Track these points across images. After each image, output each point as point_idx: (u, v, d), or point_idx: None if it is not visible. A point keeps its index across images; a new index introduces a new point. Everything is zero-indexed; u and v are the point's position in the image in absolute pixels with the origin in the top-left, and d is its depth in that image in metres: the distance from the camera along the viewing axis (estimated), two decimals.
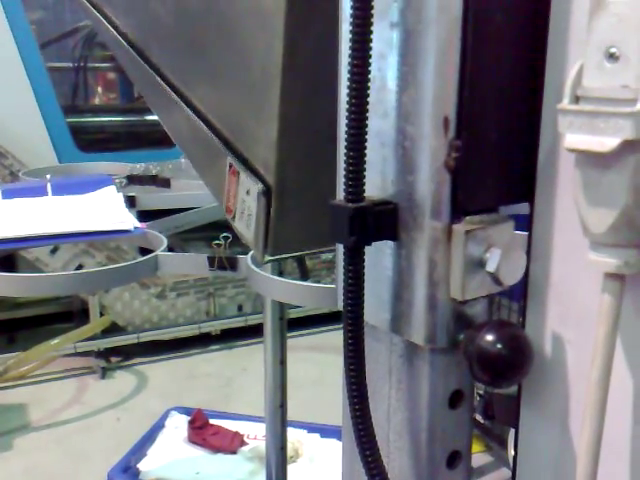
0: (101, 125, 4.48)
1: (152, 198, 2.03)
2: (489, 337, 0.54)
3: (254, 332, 3.50)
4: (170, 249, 1.58)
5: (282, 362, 1.84)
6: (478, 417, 2.74)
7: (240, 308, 3.88)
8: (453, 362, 0.60)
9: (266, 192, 0.77)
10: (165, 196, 2.08)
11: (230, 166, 0.83)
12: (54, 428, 3.03)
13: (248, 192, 0.79)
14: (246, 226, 0.80)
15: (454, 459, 0.63)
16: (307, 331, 3.78)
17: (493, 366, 0.54)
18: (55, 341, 3.27)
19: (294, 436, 2.46)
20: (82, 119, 4.33)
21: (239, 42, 0.85)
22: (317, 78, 0.78)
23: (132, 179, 2.15)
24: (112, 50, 1.20)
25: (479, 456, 2.63)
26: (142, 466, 2.41)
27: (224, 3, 0.86)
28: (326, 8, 0.67)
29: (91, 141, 4.09)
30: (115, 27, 1.16)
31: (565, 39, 0.52)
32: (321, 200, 0.61)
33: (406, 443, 0.63)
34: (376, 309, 0.61)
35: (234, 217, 0.82)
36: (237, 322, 3.83)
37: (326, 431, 2.57)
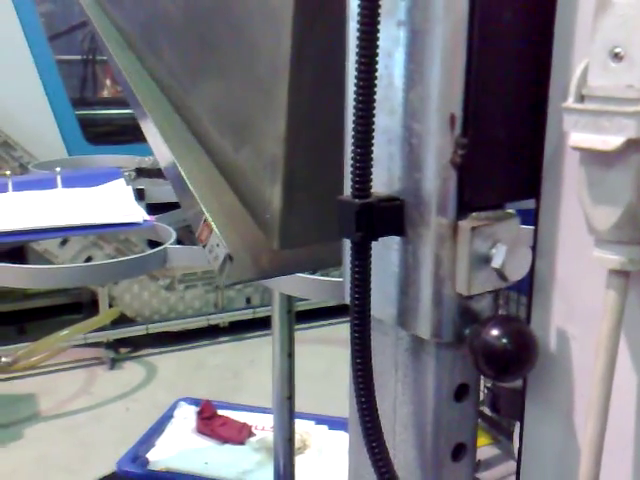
0: (110, 117, 4.49)
1: (161, 191, 2.04)
2: (494, 332, 0.55)
3: (262, 324, 3.52)
4: (179, 241, 1.59)
5: (290, 354, 1.85)
6: (486, 410, 2.75)
7: (248, 300, 3.90)
8: (459, 356, 0.61)
9: (231, 257, 0.86)
10: None
11: (205, 220, 0.90)
12: (63, 418, 3.06)
13: (218, 245, 0.87)
14: (213, 259, 0.89)
15: (459, 452, 0.64)
16: (315, 324, 3.79)
17: (498, 360, 0.55)
18: (65, 332, 3.30)
19: (302, 427, 2.48)
20: (91, 111, 4.35)
21: (247, 37, 0.86)
22: (325, 73, 0.78)
23: (141, 172, 2.15)
24: (113, 71, 1.23)
25: (487, 449, 2.63)
26: (151, 456, 2.43)
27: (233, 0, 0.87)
28: (334, 3, 0.68)
29: (100, 133, 4.11)
30: (120, 30, 1.17)
31: (571, 38, 0.53)
32: (329, 194, 0.62)
33: (412, 436, 0.63)
34: (382, 303, 0.62)
35: (204, 246, 0.91)
36: (245, 314, 3.85)
37: (334, 423, 2.59)
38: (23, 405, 3.16)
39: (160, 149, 1.06)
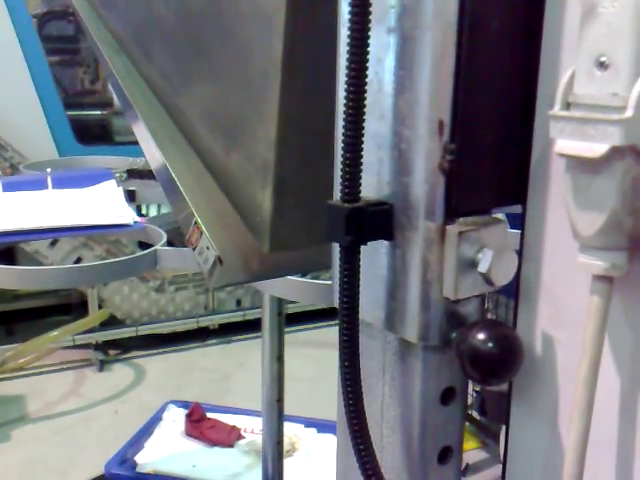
0: (101, 118, 4.48)
1: (152, 192, 2.04)
2: (481, 336, 0.55)
3: (252, 327, 3.52)
4: (170, 243, 1.58)
5: (279, 357, 1.86)
6: (475, 414, 2.75)
7: (239, 303, 3.90)
8: (445, 360, 0.61)
9: (221, 260, 0.87)
10: None
11: (195, 222, 0.91)
12: (52, 420, 3.05)
13: (208, 247, 0.89)
14: (203, 262, 0.90)
15: (445, 454, 0.65)
16: (305, 326, 3.80)
17: (484, 364, 0.56)
18: (54, 333, 3.29)
19: (291, 430, 2.48)
20: (82, 112, 4.34)
21: (240, 42, 0.86)
22: (316, 78, 0.79)
23: (132, 173, 2.15)
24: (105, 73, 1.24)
25: (475, 452, 2.64)
26: (139, 459, 2.42)
27: (225, 4, 0.87)
28: (326, 9, 0.68)
29: (91, 134, 4.10)
30: (113, 33, 1.17)
31: (558, 46, 0.53)
32: (319, 197, 0.62)
33: (399, 438, 0.64)
34: (371, 307, 0.62)
35: (194, 249, 0.92)
36: (235, 316, 3.84)
37: (323, 426, 2.59)
38: (11, 407, 3.15)
39: (151, 151, 1.06)
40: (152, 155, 1.07)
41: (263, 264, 0.92)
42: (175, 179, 0.98)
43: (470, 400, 2.80)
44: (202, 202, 0.95)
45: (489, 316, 2.68)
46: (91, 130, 4.21)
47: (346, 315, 0.58)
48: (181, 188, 0.96)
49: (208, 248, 0.89)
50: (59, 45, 4.41)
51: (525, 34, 0.56)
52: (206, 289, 3.82)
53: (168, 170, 1.00)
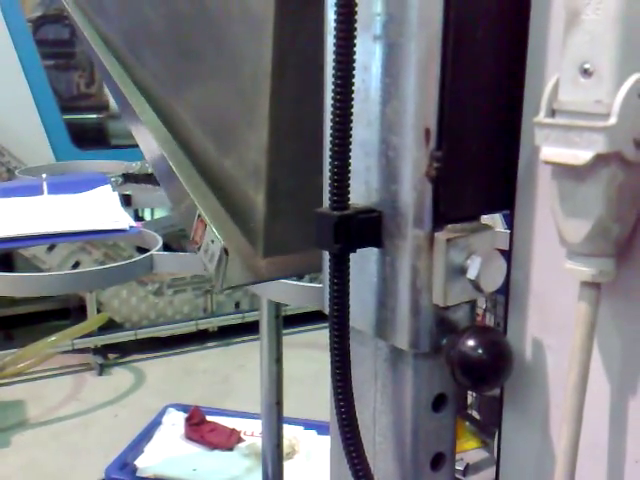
0: (98, 122, 4.48)
1: (148, 196, 2.04)
2: (470, 342, 0.55)
3: (251, 329, 3.52)
4: (167, 246, 1.59)
5: (278, 360, 1.86)
6: (474, 413, 2.75)
7: (237, 305, 3.90)
8: (436, 366, 0.61)
9: (227, 250, 0.85)
10: (161, 195, 2.08)
11: (199, 215, 0.89)
12: (51, 425, 3.05)
13: (213, 241, 0.86)
14: (209, 261, 0.87)
15: (438, 461, 0.65)
16: (304, 328, 3.79)
17: (474, 371, 0.56)
18: (52, 338, 3.28)
19: (291, 433, 2.47)
20: (79, 116, 4.34)
21: (230, 48, 0.86)
22: (306, 83, 0.79)
23: (128, 177, 2.15)
24: (100, 72, 1.23)
25: (475, 452, 2.64)
26: (139, 463, 2.42)
27: (215, 9, 0.87)
28: (315, 14, 0.68)
29: (88, 138, 4.10)
30: (105, 38, 1.17)
31: (543, 54, 0.53)
32: (313, 202, 0.62)
33: (391, 445, 0.64)
34: (361, 314, 0.62)
35: (199, 249, 0.90)
36: (234, 319, 3.84)
37: (322, 428, 2.59)
38: (11, 412, 3.15)
39: (149, 144, 1.04)
40: (149, 148, 1.05)
41: (258, 268, 0.92)
42: (173, 168, 0.96)
43: (470, 400, 2.79)
44: (200, 197, 0.93)
45: (488, 315, 2.68)
46: (87, 134, 4.21)
47: (336, 322, 0.58)
48: (180, 177, 0.95)
49: (213, 242, 0.87)
50: (55, 49, 4.41)
51: (510, 41, 0.56)
52: (205, 292, 3.82)
53: (166, 160, 0.98)
